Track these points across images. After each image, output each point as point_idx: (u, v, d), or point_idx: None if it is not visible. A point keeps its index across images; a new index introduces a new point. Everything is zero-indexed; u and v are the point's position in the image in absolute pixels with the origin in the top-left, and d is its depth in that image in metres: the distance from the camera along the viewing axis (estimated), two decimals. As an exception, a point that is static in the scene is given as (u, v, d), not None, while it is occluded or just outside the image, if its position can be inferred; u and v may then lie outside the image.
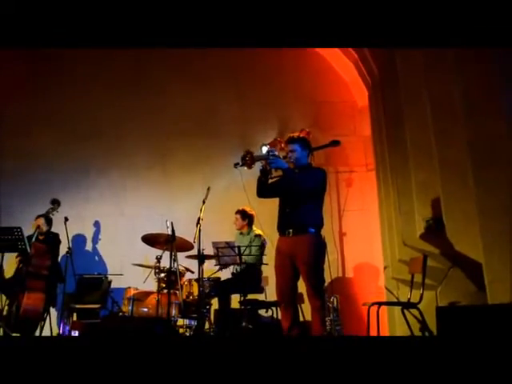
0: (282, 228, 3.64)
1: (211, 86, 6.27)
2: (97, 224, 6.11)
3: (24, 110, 6.34)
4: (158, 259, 4.89)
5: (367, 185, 5.91)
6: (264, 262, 4.84)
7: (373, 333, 4.18)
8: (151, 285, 5.17)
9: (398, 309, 4.65)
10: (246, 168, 3.55)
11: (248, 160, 3.53)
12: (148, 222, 5.68)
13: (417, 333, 4.44)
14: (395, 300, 4.95)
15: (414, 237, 4.76)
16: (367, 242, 5.76)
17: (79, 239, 6.01)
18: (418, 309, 4.20)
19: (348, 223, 5.89)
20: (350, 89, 6.32)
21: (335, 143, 5.18)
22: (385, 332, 4.75)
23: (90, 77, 6.33)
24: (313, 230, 3.52)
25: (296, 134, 3.81)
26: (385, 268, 5.30)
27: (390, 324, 5.08)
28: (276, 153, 3.66)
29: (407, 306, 4.31)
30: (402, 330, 4.77)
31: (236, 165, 3.62)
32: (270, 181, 3.69)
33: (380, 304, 4.28)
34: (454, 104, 4.05)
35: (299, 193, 3.52)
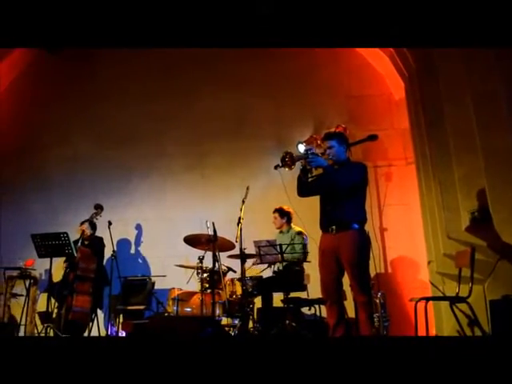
0: (324, 225, 3.62)
1: (246, 88, 6.30)
2: (139, 227, 6.24)
3: (65, 119, 6.55)
4: (201, 259, 4.94)
5: (407, 178, 5.79)
6: (307, 259, 4.82)
7: (421, 329, 4.10)
8: (193, 285, 5.25)
9: (444, 304, 4.56)
10: (286, 169, 3.55)
11: (288, 161, 3.53)
12: (188, 224, 5.75)
13: (466, 328, 4.34)
14: (441, 295, 4.84)
15: (459, 230, 4.66)
16: (409, 237, 5.65)
17: (123, 242, 6.16)
18: (468, 303, 4.10)
19: (388, 218, 5.79)
20: (386, 82, 6.22)
21: (373, 137, 5.12)
22: (432, 328, 4.66)
23: (127, 83, 6.49)
24: (356, 225, 3.49)
25: (332, 130, 3.80)
26: (429, 262, 5.19)
27: (436, 320, 4.97)
28: (314, 150, 3.65)
29: (456, 300, 4.21)
30: (449, 326, 4.66)
31: (276, 166, 3.63)
32: (310, 179, 3.68)
33: (428, 299, 4.18)
34: (496, 94, 3.95)
35: (341, 189, 3.49)
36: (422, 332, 4.12)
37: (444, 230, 4.86)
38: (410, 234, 5.65)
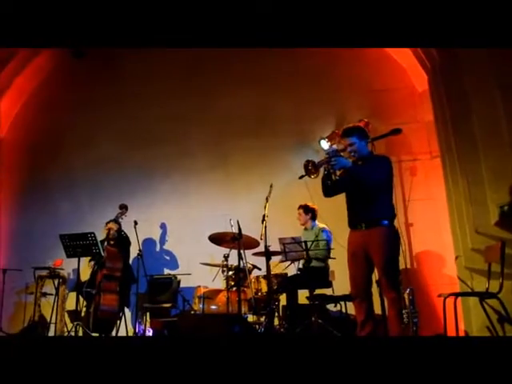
0: (353, 222, 3.59)
1: (266, 86, 6.29)
2: (163, 226, 6.30)
3: (89, 121, 6.65)
4: (226, 257, 4.97)
5: (432, 172, 5.69)
6: (331, 256, 4.80)
7: (450, 325, 4.04)
8: (218, 283, 5.29)
9: (473, 300, 4.48)
10: (312, 177, 3.53)
11: (311, 169, 3.51)
12: (211, 222, 5.78)
13: (496, 324, 4.25)
14: (469, 290, 4.76)
15: (488, 224, 4.57)
16: (435, 232, 5.55)
17: (148, 241, 6.23)
18: (499, 299, 4.02)
19: (414, 213, 5.71)
20: (408, 74, 6.12)
21: (396, 131, 5.05)
22: (461, 324, 4.58)
23: (149, 84, 6.55)
24: (386, 221, 3.46)
25: (350, 125, 3.74)
26: (456, 258, 5.10)
27: (465, 316, 4.89)
28: (336, 147, 3.62)
29: (486, 296, 4.13)
30: (478, 322, 4.59)
31: (301, 177, 3.65)
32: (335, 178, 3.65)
33: (457, 295, 4.11)
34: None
35: (367, 186, 3.45)
36: (451, 328, 4.06)
37: (472, 225, 4.77)
38: (436, 228, 5.56)
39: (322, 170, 3.57)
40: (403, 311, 3.44)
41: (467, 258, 4.90)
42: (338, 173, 3.59)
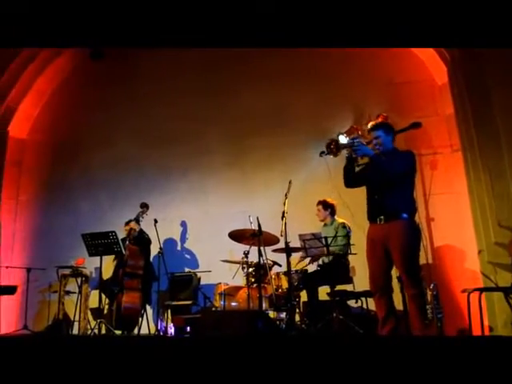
0: (372, 215, 3.57)
1: (283, 82, 6.27)
2: (183, 224, 6.34)
3: (108, 121, 6.73)
4: (246, 254, 4.98)
5: (453, 166, 5.59)
6: (352, 251, 4.77)
7: (474, 321, 3.98)
8: (238, 280, 5.30)
9: (497, 295, 4.41)
10: (331, 156, 3.53)
11: (333, 148, 3.51)
12: (230, 220, 5.80)
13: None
14: (493, 285, 4.69)
15: (511, 217, 4.49)
16: (457, 226, 5.46)
17: (168, 239, 6.28)
18: (524, 294, 3.95)
19: (435, 208, 5.62)
20: (427, 67, 6.02)
21: (416, 125, 5.00)
22: (485, 320, 4.51)
23: (165, 84, 6.59)
24: (405, 215, 3.42)
25: (379, 121, 3.74)
26: (479, 252, 5.02)
27: (488, 311, 4.82)
28: (360, 140, 3.60)
29: (511, 291, 4.06)
30: (502, 318, 4.53)
31: (322, 153, 3.62)
32: (357, 169, 3.63)
33: (481, 290, 4.05)
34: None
35: (389, 178, 3.43)
36: (475, 324, 4.01)
37: (495, 218, 4.70)
38: (457, 223, 5.47)
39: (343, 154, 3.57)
40: (427, 307, 3.39)
41: (490, 253, 4.84)
42: (359, 160, 3.58)
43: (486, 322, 4.52)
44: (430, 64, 5.99)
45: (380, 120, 5.29)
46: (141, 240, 5.69)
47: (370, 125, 3.73)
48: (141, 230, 5.70)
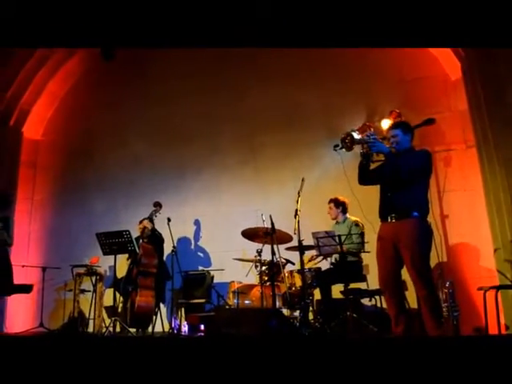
0: (383, 213, 3.55)
1: (294, 80, 6.25)
2: (197, 223, 6.37)
3: (122, 121, 6.79)
4: (259, 252, 4.98)
5: (468, 162, 5.52)
6: (366, 249, 4.75)
7: (491, 319, 3.93)
8: (251, 278, 5.31)
9: (513, 292, 4.35)
10: (344, 150, 3.52)
11: (348, 142, 3.50)
12: (243, 218, 5.82)
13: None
14: (510, 283, 4.63)
15: (528, 215, 4.43)
16: (472, 223, 5.39)
17: (182, 238, 6.31)
18: (542, 292, 3.89)
19: (449, 205, 5.55)
20: (440, 62, 5.94)
21: (429, 121, 4.96)
22: (501, 318, 4.46)
23: (178, 84, 6.61)
24: (416, 213, 3.39)
25: (398, 120, 3.72)
26: (495, 250, 4.96)
27: (505, 309, 4.76)
28: (376, 136, 3.59)
29: (529, 289, 4.00)
30: (519, 316, 4.46)
31: (335, 147, 3.61)
32: (372, 166, 3.61)
33: (498, 288, 3.99)
34: None
35: (402, 176, 3.40)
36: (492, 322, 3.96)
37: (511, 216, 4.63)
38: (473, 220, 5.41)
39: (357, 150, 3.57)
40: (443, 305, 3.35)
41: (506, 250, 4.77)
42: (374, 156, 3.56)
43: (502, 321, 4.47)
44: (443, 60, 5.92)
45: (393, 117, 5.28)
46: (154, 238, 5.72)
47: (388, 124, 3.71)
48: (154, 229, 5.74)
